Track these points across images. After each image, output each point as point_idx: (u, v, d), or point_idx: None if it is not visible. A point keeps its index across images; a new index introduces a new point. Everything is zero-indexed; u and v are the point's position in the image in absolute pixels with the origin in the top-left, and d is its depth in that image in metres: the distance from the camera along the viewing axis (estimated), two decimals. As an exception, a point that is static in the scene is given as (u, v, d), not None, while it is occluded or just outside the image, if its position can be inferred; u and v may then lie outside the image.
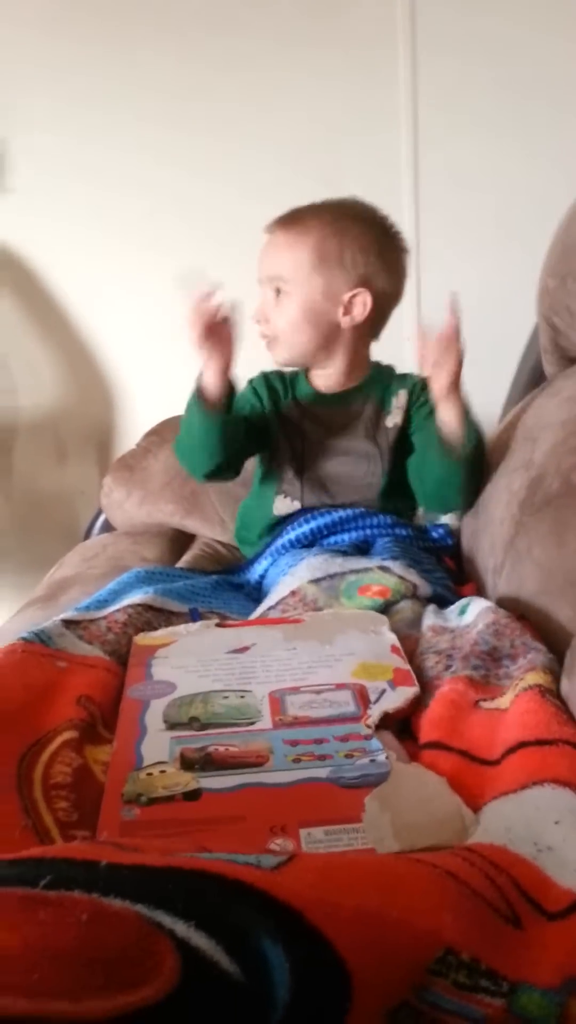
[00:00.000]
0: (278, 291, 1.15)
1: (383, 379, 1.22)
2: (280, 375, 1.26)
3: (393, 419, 1.19)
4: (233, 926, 0.35)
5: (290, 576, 0.99)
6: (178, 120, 1.76)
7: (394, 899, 0.39)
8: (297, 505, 1.17)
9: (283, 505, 1.18)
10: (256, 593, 1.09)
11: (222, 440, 1.15)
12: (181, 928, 0.34)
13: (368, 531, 1.12)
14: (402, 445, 1.19)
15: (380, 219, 1.19)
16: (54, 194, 1.80)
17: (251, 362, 1.22)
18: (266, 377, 1.26)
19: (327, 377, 1.22)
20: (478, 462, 1.11)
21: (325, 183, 1.69)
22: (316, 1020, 0.35)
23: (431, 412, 1.16)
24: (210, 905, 0.35)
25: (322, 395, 1.22)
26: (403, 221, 1.75)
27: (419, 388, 1.20)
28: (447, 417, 1.08)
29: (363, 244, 1.14)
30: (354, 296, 1.14)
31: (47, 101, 1.75)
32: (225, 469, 1.19)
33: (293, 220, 1.16)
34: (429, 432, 1.12)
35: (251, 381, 1.27)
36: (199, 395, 1.14)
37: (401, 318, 1.77)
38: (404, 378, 1.23)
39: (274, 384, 1.25)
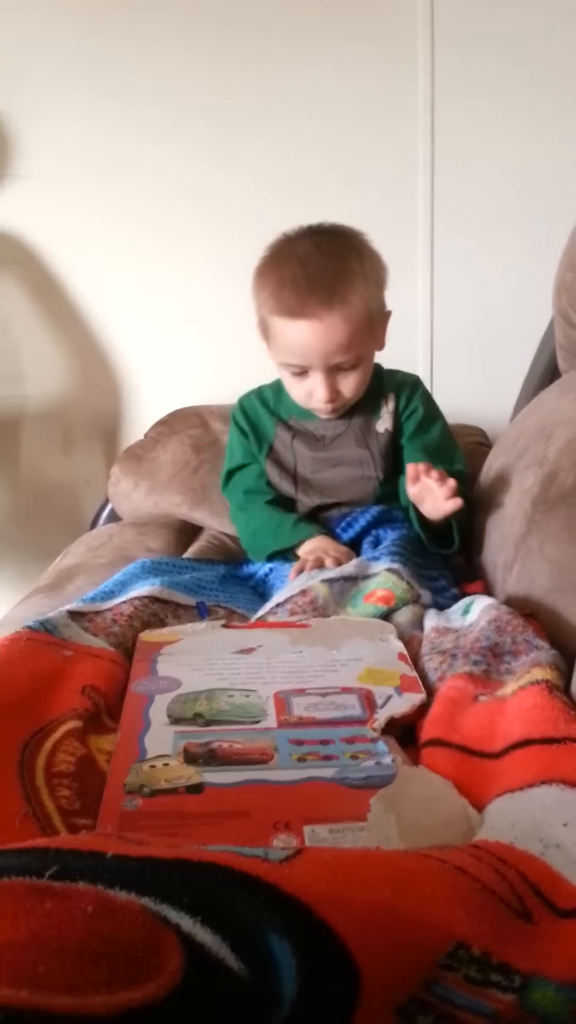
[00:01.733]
0: (343, 365, 1.10)
1: (371, 384, 1.18)
2: (261, 399, 1.24)
3: (384, 424, 1.18)
4: (239, 921, 0.34)
5: (304, 573, 0.99)
6: (195, 111, 1.75)
7: (405, 893, 0.38)
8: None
9: None
10: (262, 587, 1.09)
11: None
12: (187, 923, 0.34)
13: (379, 530, 1.12)
14: (395, 448, 1.19)
15: (367, 240, 1.13)
16: (67, 182, 1.79)
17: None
18: (243, 408, 1.25)
19: None
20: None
21: (344, 178, 1.69)
22: (323, 1016, 0.34)
23: (420, 422, 1.18)
24: (217, 900, 0.35)
25: (309, 411, 1.19)
26: (418, 215, 1.76)
27: (407, 392, 1.19)
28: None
29: (380, 277, 1.12)
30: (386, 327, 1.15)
31: (62, 89, 1.74)
32: None
33: (332, 293, 1.05)
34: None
35: (233, 419, 1.25)
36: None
37: (416, 312, 1.78)
38: (392, 377, 1.22)
39: (256, 414, 1.24)
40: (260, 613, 0.94)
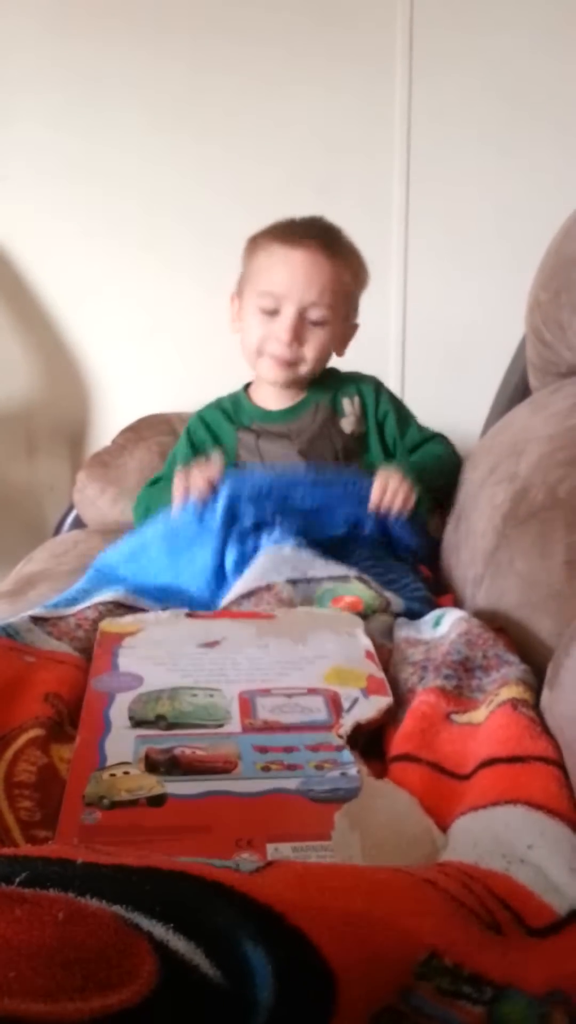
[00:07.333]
0: (311, 314, 1.13)
1: (330, 383, 1.23)
2: (221, 409, 1.26)
3: (348, 424, 1.20)
4: (213, 929, 0.34)
5: (266, 557, 0.97)
6: (168, 120, 1.75)
7: (376, 902, 0.38)
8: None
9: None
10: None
11: None
12: (159, 931, 0.33)
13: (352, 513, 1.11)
14: (360, 449, 1.21)
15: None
16: (37, 186, 1.78)
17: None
18: (202, 419, 1.26)
19: (279, 393, 1.22)
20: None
21: (318, 191, 1.71)
22: (300, 1023, 0.34)
23: (398, 422, 1.22)
24: (189, 907, 0.35)
25: (270, 412, 1.23)
26: (392, 231, 1.77)
27: (373, 394, 1.23)
28: None
29: (363, 272, 1.18)
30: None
31: (36, 91, 1.74)
32: None
33: (334, 242, 1.13)
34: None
35: (188, 431, 1.26)
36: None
37: (388, 326, 1.80)
38: (352, 378, 1.25)
39: (214, 421, 1.25)
40: (225, 602, 0.93)
